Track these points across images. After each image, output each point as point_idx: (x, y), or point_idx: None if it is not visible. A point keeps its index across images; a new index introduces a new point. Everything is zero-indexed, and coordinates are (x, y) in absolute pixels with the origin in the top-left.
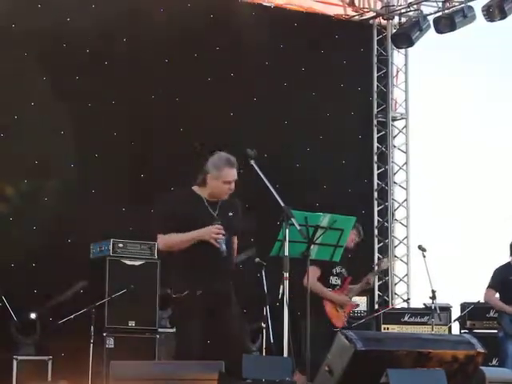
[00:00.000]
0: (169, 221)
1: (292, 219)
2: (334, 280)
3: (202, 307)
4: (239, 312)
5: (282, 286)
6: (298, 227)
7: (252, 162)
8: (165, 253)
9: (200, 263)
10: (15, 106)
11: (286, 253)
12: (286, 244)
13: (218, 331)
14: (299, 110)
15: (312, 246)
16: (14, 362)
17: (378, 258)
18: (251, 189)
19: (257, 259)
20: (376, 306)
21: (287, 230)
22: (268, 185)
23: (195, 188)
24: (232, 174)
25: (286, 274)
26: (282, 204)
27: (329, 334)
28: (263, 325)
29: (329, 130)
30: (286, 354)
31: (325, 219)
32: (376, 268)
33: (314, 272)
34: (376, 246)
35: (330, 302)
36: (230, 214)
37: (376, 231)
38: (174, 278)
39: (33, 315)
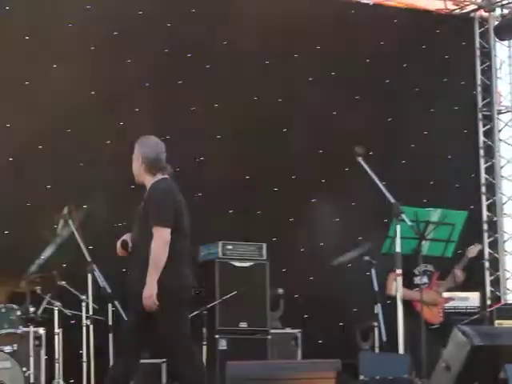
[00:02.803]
0: None
1: (402, 215)
2: (418, 280)
3: None
4: None
5: (394, 283)
6: (409, 223)
7: (359, 159)
8: None
9: None
10: None
11: (398, 249)
12: (398, 240)
13: None
14: (402, 106)
15: (423, 242)
16: None
17: (489, 253)
18: (357, 186)
19: (366, 257)
20: (488, 302)
21: (398, 227)
22: (377, 181)
23: None
24: None
25: (399, 271)
26: (392, 200)
27: (427, 332)
28: (374, 323)
29: (433, 125)
30: (401, 351)
31: (435, 214)
32: (462, 260)
33: (393, 278)
34: (486, 241)
35: (419, 302)
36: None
37: (485, 226)
38: None
39: None
